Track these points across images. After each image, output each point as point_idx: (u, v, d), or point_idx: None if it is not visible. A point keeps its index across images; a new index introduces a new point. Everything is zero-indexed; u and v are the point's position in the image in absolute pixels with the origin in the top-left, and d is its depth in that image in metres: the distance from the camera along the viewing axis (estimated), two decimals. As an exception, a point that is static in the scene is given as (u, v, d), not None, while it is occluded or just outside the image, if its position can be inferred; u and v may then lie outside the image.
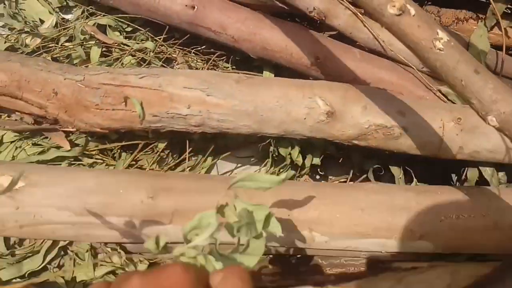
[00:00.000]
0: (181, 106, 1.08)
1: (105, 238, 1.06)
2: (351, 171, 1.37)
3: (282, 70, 1.46)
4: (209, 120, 1.09)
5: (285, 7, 1.33)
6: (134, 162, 1.29)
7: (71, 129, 1.13)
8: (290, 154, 1.27)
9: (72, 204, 1.01)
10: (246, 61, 1.44)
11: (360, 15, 1.24)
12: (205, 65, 1.45)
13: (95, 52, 1.37)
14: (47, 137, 1.24)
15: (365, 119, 1.10)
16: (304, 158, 1.30)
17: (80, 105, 1.09)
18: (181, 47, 1.41)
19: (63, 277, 1.15)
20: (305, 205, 1.06)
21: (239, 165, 1.41)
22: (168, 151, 1.33)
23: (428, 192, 1.09)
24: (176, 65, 1.43)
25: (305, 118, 1.09)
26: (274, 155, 1.30)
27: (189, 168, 1.32)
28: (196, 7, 1.27)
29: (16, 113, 1.17)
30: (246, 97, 1.09)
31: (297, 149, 1.26)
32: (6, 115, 1.25)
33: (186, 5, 1.27)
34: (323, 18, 1.24)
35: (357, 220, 1.05)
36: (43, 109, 1.11)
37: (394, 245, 1.07)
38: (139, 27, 1.42)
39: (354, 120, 1.10)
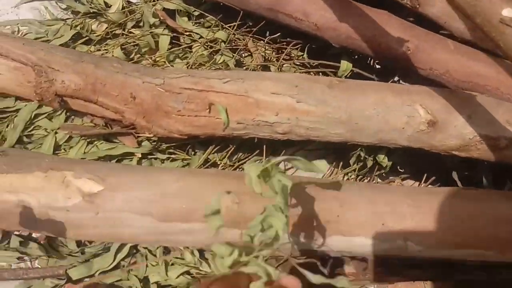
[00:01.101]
0: (269, 113, 1.00)
1: (187, 243, 1.01)
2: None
3: (359, 59, 1.37)
4: (297, 128, 1.01)
5: (372, -7, 1.21)
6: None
7: (148, 135, 1.07)
8: (374, 156, 1.19)
9: (154, 209, 0.94)
10: (321, 50, 1.33)
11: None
12: (273, 54, 1.35)
13: (164, 41, 1.28)
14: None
15: (470, 129, 1.00)
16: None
17: (160, 110, 1.02)
18: (254, 36, 1.30)
19: (136, 276, 1.13)
20: (401, 213, 0.98)
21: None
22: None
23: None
24: (248, 54, 1.34)
25: (403, 128, 1.00)
26: (360, 158, 1.22)
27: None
28: (277, -9, 1.15)
29: (88, 115, 1.11)
30: (340, 104, 1.00)
31: (384, 150, 1.17)
32: (73, 117, 1.19)
33: (266, -10, 1.16)
34: (417, 6, 1.12)
35: (455, 230, 0.97)
36: (119, 114, 1.04)
37: (493, 256, 0.99)
38: (205, 13, 1.31)
39: (457, 130, 1.00)
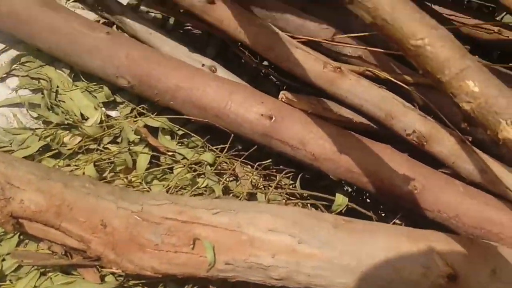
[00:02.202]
0: (264, 254, 0.85)
1: None
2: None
3: (353, 193, 1.27)
4: (296, 274, 0.85)
5: (374, 126, 1.13)
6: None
7: (115, 270, 0.89)
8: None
9: None
10: (313, 181, 1.22)
11: (470, 144, 1.04)
12: (262, 180, 1.22)
13: (143, 160, 1.15)
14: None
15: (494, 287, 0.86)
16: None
17: (134, 242, 0.85)
18: (243, 160, 1.19)
19: None
20: None
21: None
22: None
23: None
24: (234, 179, 1.22)
25: (418, 280, 0.85)
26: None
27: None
28: (274, 117, 1.06)
29: (45, 241, 0.93)
30: (347, 247, 0.86)
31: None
32: (27, 241, 1.00)
33: (262, 115, 1.06)
34: (424, 143, 1.04)
35: None
36: (84, 244, 0.87)
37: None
38: (191, 133, 1.20)
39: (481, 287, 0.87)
